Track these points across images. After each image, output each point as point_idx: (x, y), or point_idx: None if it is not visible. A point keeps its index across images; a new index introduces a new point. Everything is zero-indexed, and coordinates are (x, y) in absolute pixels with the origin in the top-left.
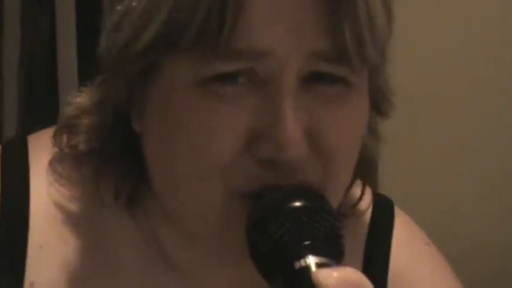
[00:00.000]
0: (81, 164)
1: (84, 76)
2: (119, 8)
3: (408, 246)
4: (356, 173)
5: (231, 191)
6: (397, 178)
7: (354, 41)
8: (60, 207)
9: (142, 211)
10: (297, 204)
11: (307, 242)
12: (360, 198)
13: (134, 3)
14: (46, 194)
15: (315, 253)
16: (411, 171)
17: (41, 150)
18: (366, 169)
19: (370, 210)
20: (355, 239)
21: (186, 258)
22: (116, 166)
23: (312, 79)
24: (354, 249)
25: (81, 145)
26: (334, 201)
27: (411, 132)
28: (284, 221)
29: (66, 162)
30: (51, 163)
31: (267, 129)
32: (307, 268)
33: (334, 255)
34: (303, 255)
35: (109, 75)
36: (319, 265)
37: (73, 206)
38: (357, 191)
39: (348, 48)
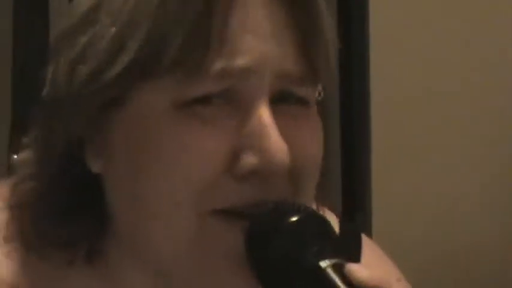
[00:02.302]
0: (33, 225)
1: None
2: (82, 39)
3: None
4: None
5: (208, 213)
6: (396, 179)
7: (324, 62)
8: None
9: (106, 264)
10: (294, 217)
11: (315, 248)
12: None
13: (102, 31)
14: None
15: (326, 256)
16: (409, 172)
17: None
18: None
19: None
20: None
21: None
22: (71, 216)
23: (277, 99)
24: None
25: (32, 201)
26: None
27: (410, 132)
28: (287, 235)
29: (17, 225)
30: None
31: (250, 144)
32: (327, 269)
33: (340, 253)
34: (317, 260)
35: (57, 115)
36: (335, 265)
37: (27, 276)
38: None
39: (320, 69)
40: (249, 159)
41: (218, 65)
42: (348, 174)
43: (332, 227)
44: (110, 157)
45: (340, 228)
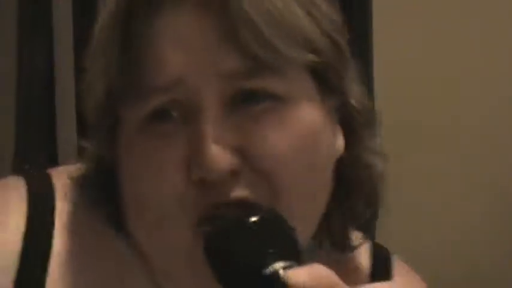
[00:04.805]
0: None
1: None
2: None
3: None
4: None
5: (193, 222)
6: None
7: (262, 49)
8: (78, 241)
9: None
10: (252, 218)
11: (271, 250)
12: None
13: (89, 64)
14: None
15: (280, 258)
16: (411, 199)
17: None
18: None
19: (368, 263)
20: None
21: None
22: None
23: (240, 100)
24: None
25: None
26: (301, 221)
27: (412, 155)
28: (244, 237)
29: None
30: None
31: (194, 157)
32: (276, 273)
33: (296, 258)
34: (270, 263)
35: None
36: (287, 268)
37: (87, 237)
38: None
39: (259, 58)
40: (195, 171)
41: (150, 82)
42: None
43: (291, 226)
44: (119, 167)
45: None
